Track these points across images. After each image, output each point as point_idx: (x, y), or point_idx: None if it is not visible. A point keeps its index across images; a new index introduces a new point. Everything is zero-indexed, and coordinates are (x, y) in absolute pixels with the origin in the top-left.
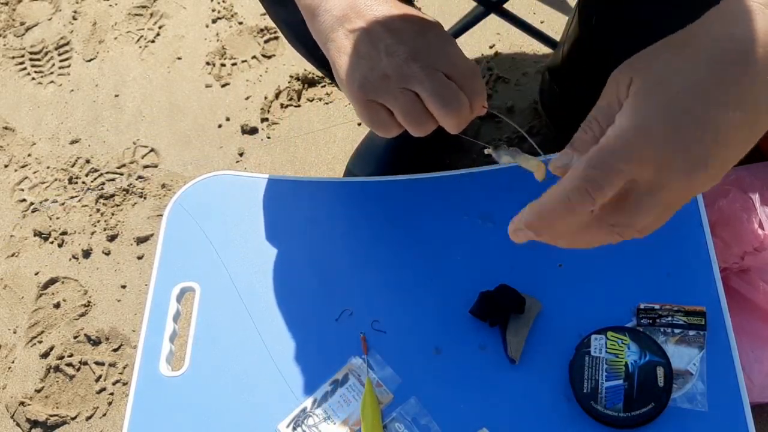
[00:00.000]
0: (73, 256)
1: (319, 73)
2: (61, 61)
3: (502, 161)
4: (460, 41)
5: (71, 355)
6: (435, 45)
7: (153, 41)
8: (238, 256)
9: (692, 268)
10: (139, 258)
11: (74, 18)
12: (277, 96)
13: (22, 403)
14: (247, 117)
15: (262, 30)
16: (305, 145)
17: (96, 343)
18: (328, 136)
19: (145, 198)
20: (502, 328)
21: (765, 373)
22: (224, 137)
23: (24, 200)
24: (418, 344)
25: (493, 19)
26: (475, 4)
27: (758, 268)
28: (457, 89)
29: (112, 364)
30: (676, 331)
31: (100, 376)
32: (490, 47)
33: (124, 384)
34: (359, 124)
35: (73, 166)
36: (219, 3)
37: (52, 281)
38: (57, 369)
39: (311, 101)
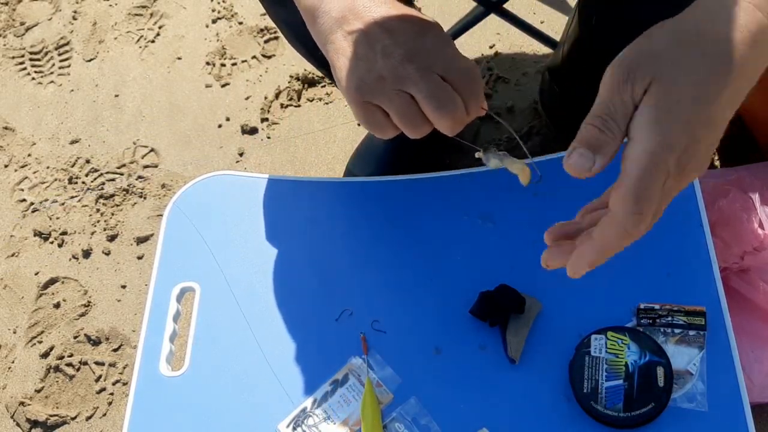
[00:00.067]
0: (73, 256)
1: (319, 73)
2: (61, 61)
3: (491, 165)
4: (460, 41)
5: (71, 355)
6: (432, 46)
7: (153, 41)
8: (238, 256)
9: (692, 268)
10: (139, 258)
11: (74, 18)
12: (277, 96)
13: (22, 403)
14: (247, 117)
15: (262, 30)
16: (305, 145)
17: (96, 343)
18: (328, 136)
19: (145, 198)
20: (502, 328)
21: (765, 373)
22: (224, 137)
23: (24, 200)
24: (418, 344)
25: (493, 19)
26: (475, 4)
27: (758, 268)
28: (452, 91)
29: (112, 364)
30: (676, 331)
31: (100, 376)
32: (490, 47)
33: (124, 384)
34: (359, 125)
35: (73, 166)
36: (219, 3)
37: (52, 281)
38: (57, 369)
39: (311, 101)
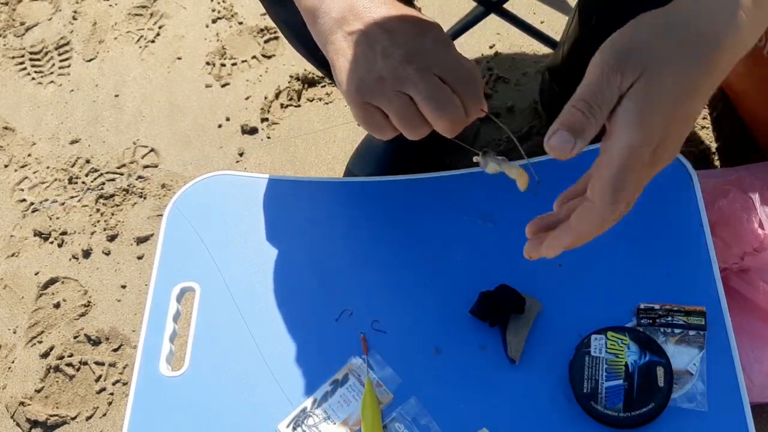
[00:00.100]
0: (73, 256)
1: (319, 73)
2: (61, 61)
3: (489, 169)
4: (460, 41)
5: (71, 355)
6: (432, 47)
7: (153, 41)
8: (238, 256)
9: (692, 268)
10: (139, 258)
11: (74, 18)
12: (277, 96)
13: (22, 403)
14: (247, 117)
15: (262, 30)
16: (305, 145)
17: (96, 343)
18: (328, 136)
19: (145, 198)
20: (502, 328)
21: (765, 373)
22: (224, 137)
23: (24, 200)
24: (418, 344)
25: (493, 19)
26: (475, 4)
27: (758, 268)
28: (450, 93)
29: (112, 364)
30: (676, 331)
31: (100, 376)
32: (490, 47)
33: (124, 384)
34: (359, 125)
35: (73, 166)
36: (219, 3)
37: (52, 281)
38: (57, 369)
39: (311, 101)
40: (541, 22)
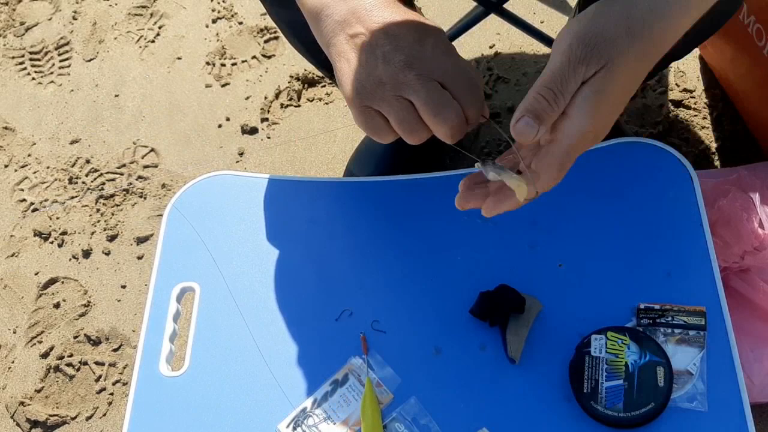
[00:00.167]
0: (73, 256)
1: (319, 73)
2: (61, 61)
3: (489, 177)
4: (460, 41)
5: (71, 355)
6: (433, 53)
7: (153, 41)
8: (238, 256)
9: (692, 268)
10: (139, 258)
11: (74, 18)
12: (277, 96)
13: (22, 403)
14: (247, 117)
15: (262, 30)
16: (305, 145)
17: (96, 343)
18: (328, 136)
19: (145, 198)
20: (502, 328)
21: (765, 373)
22: (224, 137)
23: (24, 200)
24: (418, 344)
25: (493, 19)
26: (475, 4)
27: (758, 268)
28: (451, 99)
29: (112, 364)
30: (676, 331)
31: (100, 376)
32: (490, 47)
33: (124, 384)
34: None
35: (73, 166)
36: (219, 3)
37: (52, 281)
38: (57, 369)
39: (311, 101)
40: (541, 22)
